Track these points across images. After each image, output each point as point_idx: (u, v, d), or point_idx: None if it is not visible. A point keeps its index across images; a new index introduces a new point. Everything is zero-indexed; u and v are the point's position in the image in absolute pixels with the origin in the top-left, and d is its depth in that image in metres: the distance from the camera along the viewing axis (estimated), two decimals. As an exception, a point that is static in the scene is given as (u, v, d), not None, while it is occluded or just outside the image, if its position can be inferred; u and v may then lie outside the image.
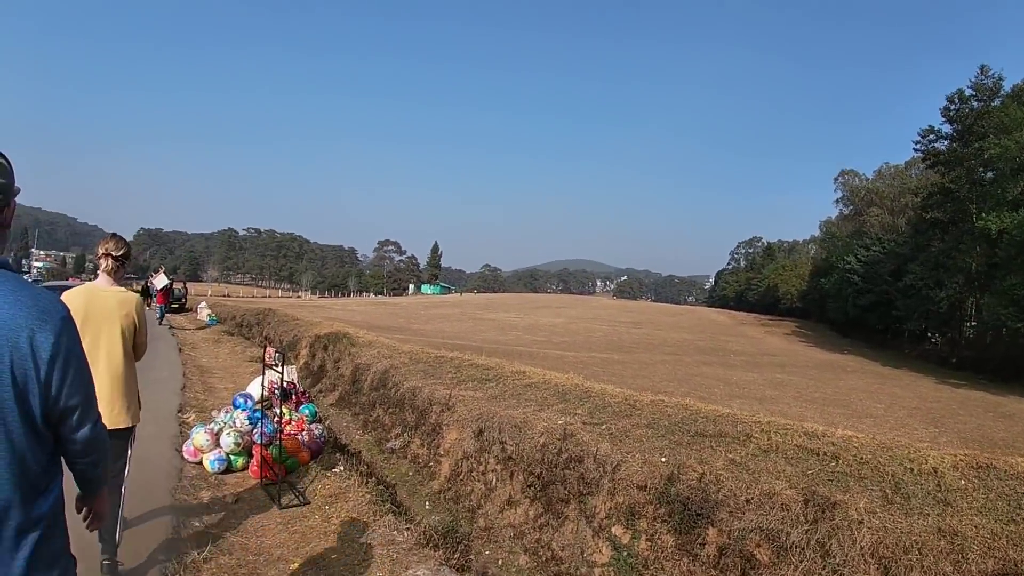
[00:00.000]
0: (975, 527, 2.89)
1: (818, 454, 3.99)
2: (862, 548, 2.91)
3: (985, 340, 27.79)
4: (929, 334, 32.39)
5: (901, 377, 23.90)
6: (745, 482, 3.56)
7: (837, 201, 63.07)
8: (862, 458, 3.87)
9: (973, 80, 31.37)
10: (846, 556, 2.92)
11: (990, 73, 30.97)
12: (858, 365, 26.56)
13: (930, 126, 34.31)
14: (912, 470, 3.64)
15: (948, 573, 2.67)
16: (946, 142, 32.62)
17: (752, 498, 3.42)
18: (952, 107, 32.07)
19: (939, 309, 27.89)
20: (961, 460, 3.71)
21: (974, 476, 3.49)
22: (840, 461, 3.87)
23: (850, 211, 60.39)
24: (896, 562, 2.79)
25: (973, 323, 27.81)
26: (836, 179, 62.81)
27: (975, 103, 30.94)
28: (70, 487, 1.58)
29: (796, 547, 3.06)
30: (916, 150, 36.39)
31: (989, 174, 26.90)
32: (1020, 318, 21.11)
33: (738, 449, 4.16)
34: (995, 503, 3.11)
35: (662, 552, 3.40)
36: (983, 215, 24.88)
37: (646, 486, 3.76)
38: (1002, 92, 29.85)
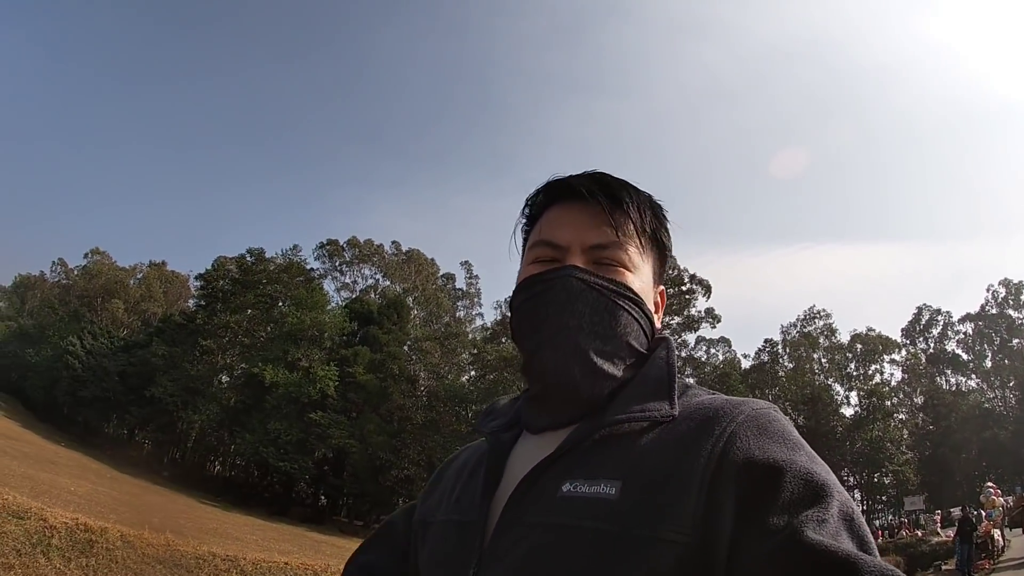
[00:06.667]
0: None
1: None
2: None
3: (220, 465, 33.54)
4: (144, 441, 34.43)
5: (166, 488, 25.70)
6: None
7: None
8: None
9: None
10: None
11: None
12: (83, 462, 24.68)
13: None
14: None
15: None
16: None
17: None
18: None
19: (184, 427, 31.49)
20: None
21: None
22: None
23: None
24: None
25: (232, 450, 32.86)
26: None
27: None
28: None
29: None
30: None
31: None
32: (280, 456, 28.32)
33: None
34: None
35: None
36: (260, 364, 32.62)
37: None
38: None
